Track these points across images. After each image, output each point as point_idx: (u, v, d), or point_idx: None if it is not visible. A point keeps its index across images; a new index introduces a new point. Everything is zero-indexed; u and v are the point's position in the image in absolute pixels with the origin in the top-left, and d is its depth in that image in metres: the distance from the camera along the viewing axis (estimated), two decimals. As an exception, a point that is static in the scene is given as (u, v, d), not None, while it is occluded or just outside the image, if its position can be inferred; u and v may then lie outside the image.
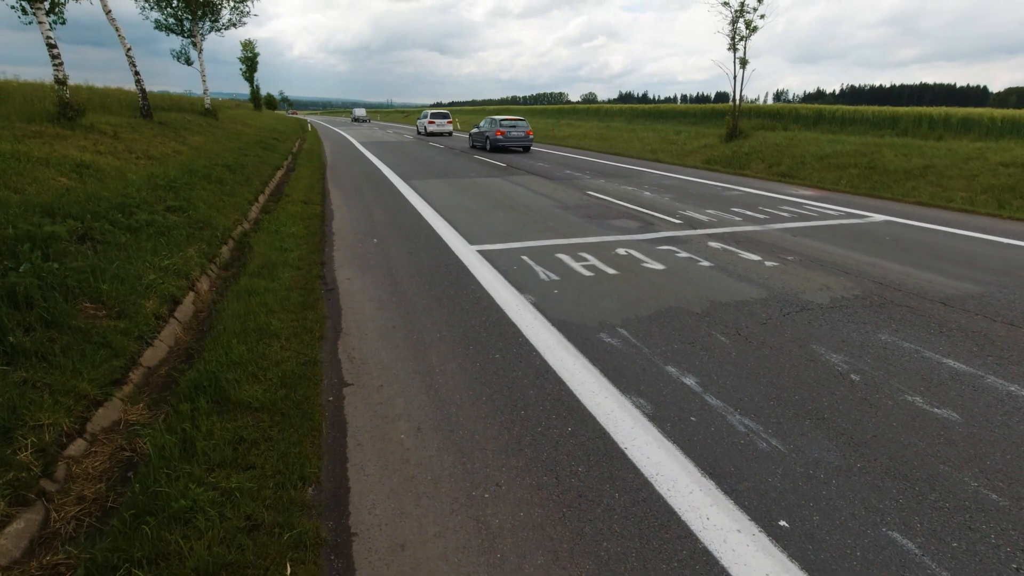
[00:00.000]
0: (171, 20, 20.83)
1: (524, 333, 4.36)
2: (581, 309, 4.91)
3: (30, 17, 10.15)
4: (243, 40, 53.23)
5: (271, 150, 18.14)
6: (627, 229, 8.13)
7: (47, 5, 10.23)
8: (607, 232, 7.90)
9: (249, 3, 22.60)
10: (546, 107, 53.63)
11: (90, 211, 5.82)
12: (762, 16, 18.80)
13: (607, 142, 26.00)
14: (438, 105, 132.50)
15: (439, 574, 2.15)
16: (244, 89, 57.24)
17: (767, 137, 18.97)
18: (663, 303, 5.05)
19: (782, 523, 2.41)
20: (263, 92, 68.01)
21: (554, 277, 5.79)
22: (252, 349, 3.83)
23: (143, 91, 14.12)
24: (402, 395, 3.46)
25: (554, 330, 4.44)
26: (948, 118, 16.84)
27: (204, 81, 22.39)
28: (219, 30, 22.29)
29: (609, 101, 67.11)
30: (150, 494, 2.39)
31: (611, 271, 6.02)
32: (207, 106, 21.70)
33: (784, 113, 22.84)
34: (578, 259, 6.47)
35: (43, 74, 14.04)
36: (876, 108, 20.02)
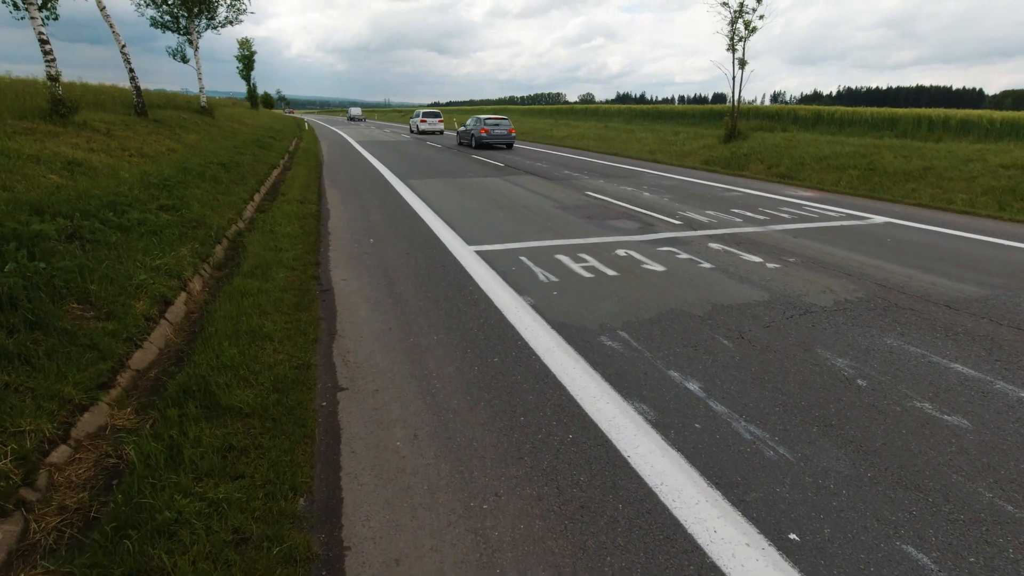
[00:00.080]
0: (167, 17, 20.68)
1: (523, 336, 4.27)
2: (581, 311, 4.81)
3: (22, 13, 10.01)
4: (240, 38, 53.04)
5: (267, 149, 18.00)
6: (627, 230, 8.04)
7: (39, 1, 10.09)
8: (606, 233, 7.81)
9: (246, 1, 22.46)
10: (544, 107, 53.56)
11: (80, 209, 5.70)
12: (761, 17, 18.76)
13: (605, 142, 25.92)
14: (435, 105, 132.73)
15: (436, 591, 2.06)
16: (241, 88, 57.03)
17: (766, 138, 18.92)
18: (664, 305, 4.97)
19: (792, 536, 2.32)
20: (260, 91, 67.76)
21: (553, 278, 5.69)
22: (244, 352, 3.73)
23: (137, 88, 13.98)
24: (398, 400, 3.36)
25: (554, 333, 4.35)
26: (947, 120, 16.80)
27: (200, 79, 22.24)
28: (215, 28, 22.15)
29: (607, 102, 67.07)
30: (133, 505, 2.29)
31: (611, 272, 5.93)
32: (203, 104, 21.54)
33: (783, 114, 22.79)
34: (577, 260, 6.38)
35: (35, 71, 13.89)
36: (875, 109, 19.98)
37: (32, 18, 9.83)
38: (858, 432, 3.08)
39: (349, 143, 26.64)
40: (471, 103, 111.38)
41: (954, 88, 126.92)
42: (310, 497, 2.49)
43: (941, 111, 17.49)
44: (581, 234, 7.70)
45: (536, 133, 33.81)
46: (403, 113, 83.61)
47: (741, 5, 18.71)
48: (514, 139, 23.75)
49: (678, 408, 3.30)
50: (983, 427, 3.13)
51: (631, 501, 2.51)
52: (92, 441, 3.09)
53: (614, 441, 2.96)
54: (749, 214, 9.44)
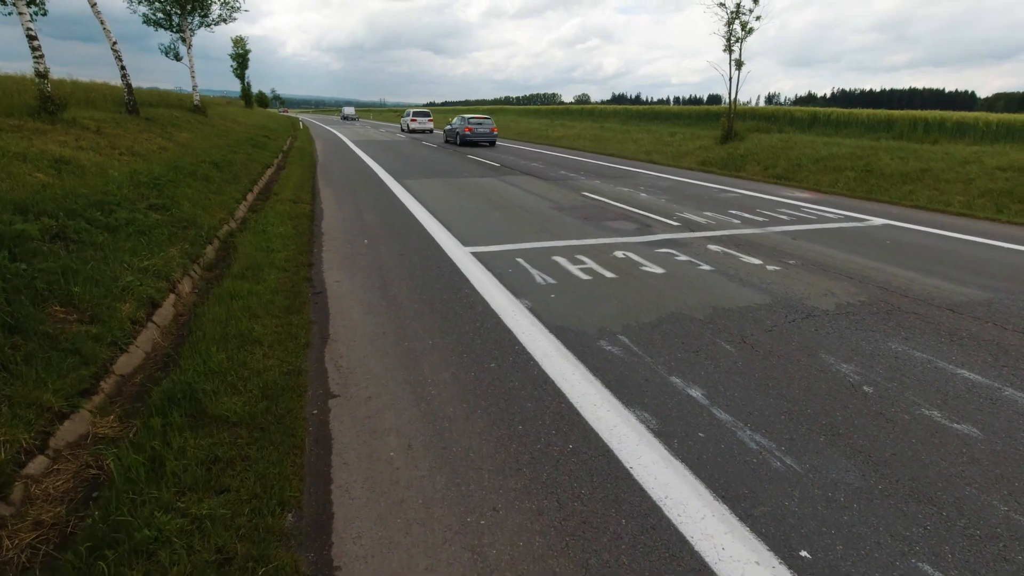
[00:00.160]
0: (159, 15, 20.45)
1: (520, 340, 4.16)
2: (579, 314, 4.71)
3: (10, 8, 9.83)
4: (234, 37, 52.73)
5: (261, 148, 17.83)
6: (624, 231, 7.95)
7: (28, -4, 9.91)
8: (604, 234, 7.72)
9: (239, -1, 22.25)
10: (540, 108, 53.49)
11: (66, 208, 5.55)
12: (758, 18, 18.72)
13: (601, 143, 25.85)
14: (431, 105, 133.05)
15: (430, 614, 1.95)
16: (236, 86, 56.69)
17: (762, 139, 18.89)
18: (664, 309, 4.87)
19: (803, 553, 2.22)
20: (255, 90, 67.43)
21: (551, 281, 5.59)
22: (232, 357, 3.61)
23: (129, 86, 13.78)
24: (392, 408, 3.24)
25: (552, 337, 4.24)
26: (943, 122, 16.81)
27: (193, 77, 22.01)
28: (208, 25, 21.93)
29: (603, 102, 67.07)
30: (111, 523, 2.17)
31: (609, 275, 5.83)
32: (196, 102, 21.32)
33: (779, 115, 22.79)
34: (575, 262, 6.28)
35: (24, 67, 13.69)
36: (871, 111, 19.98)
37: (20, 13, 9.65)
38: (866, 441, 2.98)
39: (344, 142, 26.47)
40: (466, 103, 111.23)
41: (947, 90, 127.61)
42: (299, 512, 2.37)
43: (937, 113, 17.50)
44: (578, 235, 7.60)
45: (532, 133, 33.72)
46: (398, 113, 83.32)
47: (738, 6, 18.68)
48: (496, 137, 25.15)
49: (681, 416, 3.20)
50: (994, 436, 3.05)
51: (635, 516, 2.41)
52: (72, 451, 2.97)
53: (616, 451, 2.85)
54: (747, 215, 9.37)
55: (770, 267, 6.21)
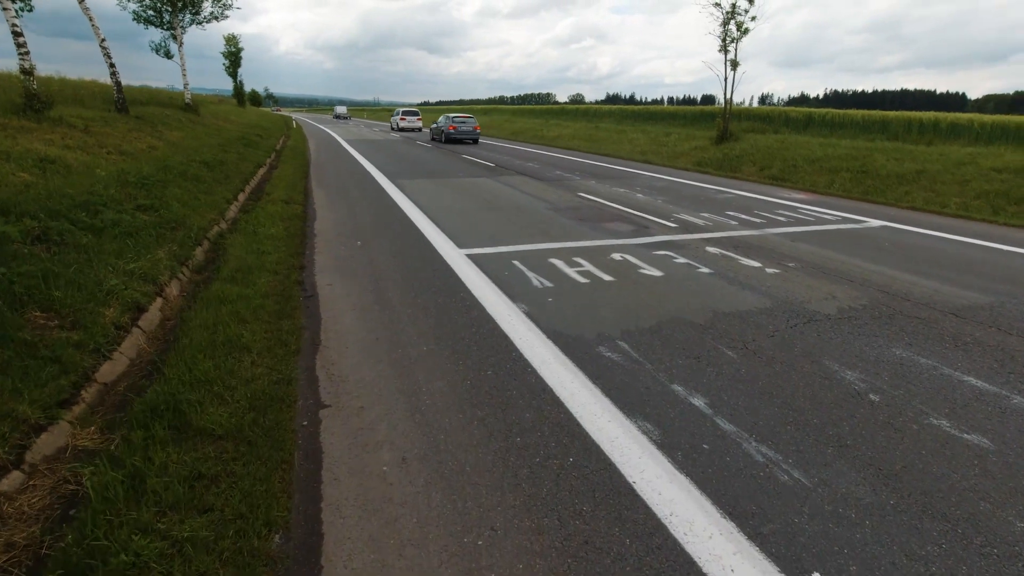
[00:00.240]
0: (150, 12, 20.19)
1: (518, 347, 4.05)
2: (578, 319, 4.61)
3: (-5, 4, 9.62)
4: (227, 34, 52.34)
5: (253, 147, 17.63)
6: (621, 233, 7.85)
7: (13, -9, 9.71)
8: (601, 236, 7.62)
9: (231, -4, 22.01)
10: (534, 107, 53.36)
11: (49, 209, 5.40)
12: (753, 18, 18.70)
13: (596, 143, 25.78)
14: (425, 104, 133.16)
15: (426, 645, 1.83)
16: (229, 85, 56.30)
17: (758, 140, 18.86)
18: (664, 313, 4.77)
19: (816, 575, 2.12)
20: (248, 88, 66.99)
21: (548, 284, 5.48)
22: (220, 365, 3.48)
23: (118, 84, 13.58)
24: (385, 419, 3.13)
25: (550, 343, 4.13)
26: (937, 123, 16.82)
27: (184, 75, 21.77)
28: (200, 23, 21.68)
29: (597, 102, 67.04)
30: (86, 547, 2.04)
31: (607, 278, 5.73)
32: (187, 101, 21.08)
33: (774, 116, 22.78)
34: (572, 264, 6.17)
35: (10, 64, 13.44)
36: (866, 112, 19.99)
37: (4, 9, 9.45)
38: (875, 453, 2.89)
39: (337, 141, 26.28)
40: (461, 102, 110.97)
41: (938, 92, 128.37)
42: (286, 534, 2.25)
43: (931, 114, 17.52)
44: (575, 237, 7.50)
45: (527, 133, 33.62)
46: (391, 112, 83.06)
47: (733, 6, 18.64)
48: (478, 135, 26.88)
49: (684, 427, 3.10)
50: (1005, 447, 2.97)
51: (639, 535, 2.30)
52: (49, 465, 2.83)
53: (618, 465, 2.75)
54: (745, 217, 9.29)
55: (769, 270, 6.13)
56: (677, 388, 3.51)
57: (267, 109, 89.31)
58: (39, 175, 6.83)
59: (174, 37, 21.18)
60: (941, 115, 17.26)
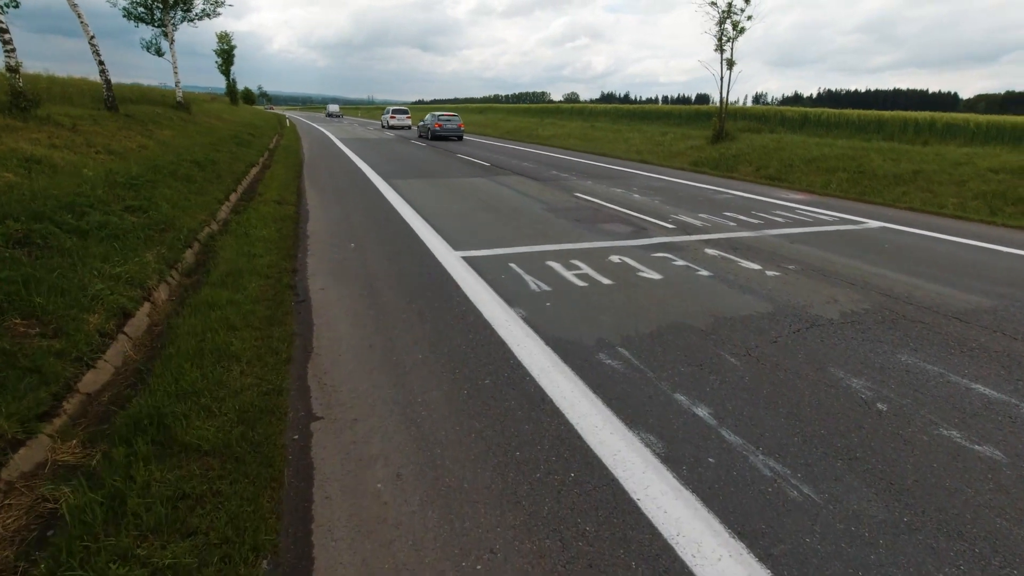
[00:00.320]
0: (140, 9, 19.94)
1: (516, 354, 3.94)
2: (576, 324, 4.50)
3: (-20, 0, 9.43)
4: (219, 32, 51.95)
5: (246, 146, 17.44)
6: (619, 234, 7.76)
7: (-1, -13, 9.52)
8: (599, 237, 7.52)
9: (224, -7, 21.78)
10: (530, 106, 53.23)
11: (33, 211, 5.25)
12: (749, 18, 18.65)
13: (592, 142, 25.69)
14: (420, 103, 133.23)
15: None
16: (222, 83, 55.91)
17: (754, 139, 18.82)
18: (664, 318, 4.68)
19: (831, 601, 2.03)
20: (241, 86, 66.55)
21: (545, 288, 5.38)
22: (207, 375, 3.35)
23: (108, 81, 13.37)
24: (379, 431, 3.01)
25: (548, 350, 4.03)
26: (933, 123, 16.82)
27: (176, 73, 21.53)
28: (192, 20, 21.44)
29: (591, 101, 66.98)
30: (60, 577, 1.92)
31: (606, 281, 5.63)
32: (179, 99, 20.85)
33: (769, 115, 22.75)
34: (570, 267, 6.07)
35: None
36: (861, 112, 19.98)
37: (-10, 5, 9.26)
38: (886, 466, 2.80)
39: (331, 140, 26.08)
40: (455, 101, 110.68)
41: (930, 91, 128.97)
42: (275, 559, 2.13)
43: (927, 114, 17.51)
44: (572, 239, 7.40)
45: (522, 132, 33.51)
46: (383, 110, 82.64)
47: (729, 6, 18.58)
48: (463, 132, 28.59)
49: (688, 438, 3.00)
50: (1018, 459, 2.88)
51: (645, 557, 2.20)
52: (27, 482, 2.71)
53: (621, 480, 2.65)
54: (743, 218, 9.22)
55: (770, 272, 6.05)
56: (680, 397, 3.41)
57: (260, 107, 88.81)
58: (24, 175, 6.67)
59: (165, 34, 20.93)
60: (937, 115, 17.26)
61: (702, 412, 3.26)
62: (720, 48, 19.20)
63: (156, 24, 20.70)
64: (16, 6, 9.84)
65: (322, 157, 18.13)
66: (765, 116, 22.92)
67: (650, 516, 2.42)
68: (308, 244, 6.90)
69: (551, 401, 3.33)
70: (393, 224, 8.15)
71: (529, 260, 6.31)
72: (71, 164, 7.88)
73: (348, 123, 50.59)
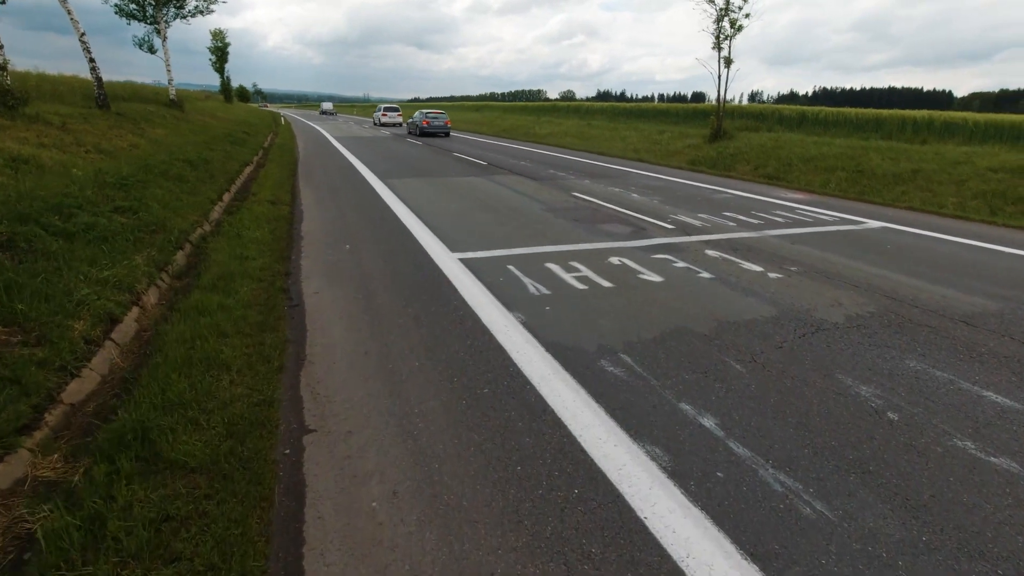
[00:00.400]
0: (132, 6, 19.70)
1: (515, 361, 3.83)
2: (577, 329, 4.40)
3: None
4: (213, 29, 51.57)
5: (240, 144, 17.26)
6: (618, 235, 7.65)
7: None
8: (597, 238, 7.41)
9: (217, -10, 21.54)
10: (526, 104, 53.02)
11: (17, 213, 5.11)
12: (747, 15, 18.56)
13: (589, 141, 25.57)
14: (416, 101, 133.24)
15: None
16: (216, 80, 55.56)
17: (751, 138, 18.74)
18: (667, 323, 4.57)
19: (851, 629, 1.93)
20: (236, 84, 66.16)
21: (545, 291, 5.26)
22: (196, 385, 3.23)
23: (99, 79, 13.18)
24: (375, 444, 2.90)
25: (548, 356, 3.92)
26: (931, 121, 16.76)
27: (169, 70, 21.30)
28: (184, 17, 21.21)
29: (588, 99, 66.84)
30: (32, 611, 1.80)
31: (606, 284, 5.52)
32: (172, 97, 20.63)
33: (767, 114, 22.66)
34: (569, 269, 5.96)
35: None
36: (859, 110, 19.91)
37: (-24, 2, 9.08)
38: (900, 480, 2.71)
39: (326, 139, 25.89)
40: (451, 99, 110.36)
41: (925, 90, 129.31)
42: (263, 587, 2.02)
43: (925, 113, 17.45)
44: (571, 240, 7.29)
45: (518, 131, 33.35)
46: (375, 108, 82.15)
47: (727, 3, 18.47)
48: (449, 129, 30.10)
49: (695, 451, 2.90)
50: (1036, 472, 2.79)
51: (655, 582, 2.10)
52: (5, 501, 2.58)
53: (627, 497, 2.54)
54: (742, 218, 9.12)
55: (772, 274, 5.95)
56: (685, 407, 3.31)
57: (255, 105, 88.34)
58: (10, 175, 6.52)
59: (158, 32, 20.70)
60: (935, 114, 17.20)
61: (708, 422, 3.15)
62: (718, 46, 19.11)
63: (149, 21, 20.47)
64: (2, 2, 9.66)
65: (317, 155, 17.96)
66: (762, 114, 22.83)
67: (658, 536, 2.31)
68: (302, 245, 6.77)
69: (552, 411, 3.22)
70: (389, 224, 8.02)
71: (527, 262, 6.20)
72: (59, 164, 7.72)
73: (343, 121, 50.31)
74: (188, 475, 2.50)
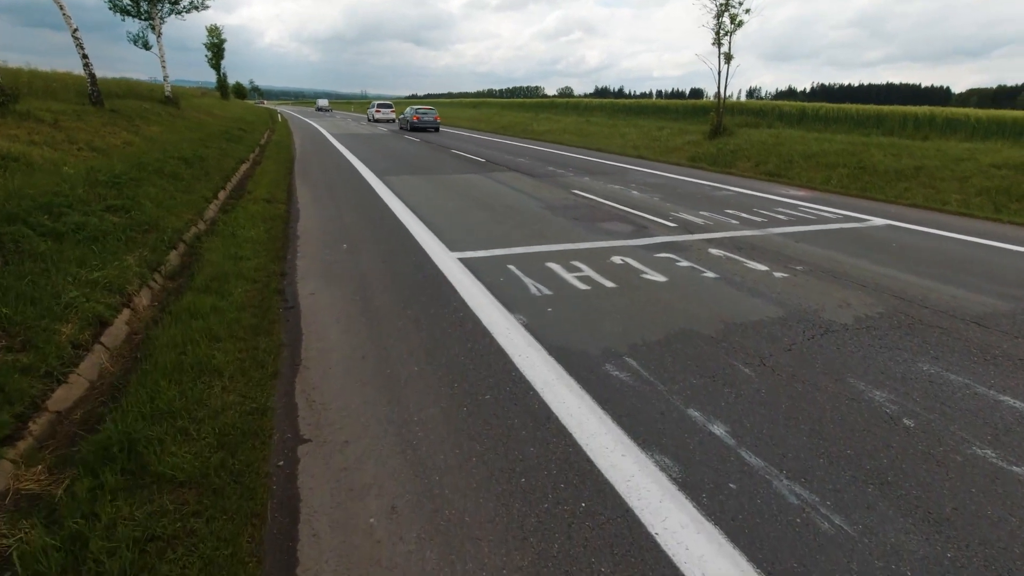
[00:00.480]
0: (126, 2, 19.47)
1: (517, 365, 3.71)
2: (580, 332, 4.28)
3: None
4: (209, 26, 51.25)
5: (236, 142, 17.08)
6: (620, 233, 7.53)
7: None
8: (599, 237, 7.29)
9: (212, -15, 21.33)
10: (524, 100, 52.77)
11: (5, 213, 4.98)
12: (747, 11, 18.41)
13: (588, 138, 25.42)
14: (414, 97, 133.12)
15: None
16: (213, 77, 55.23)
17: (752, 134, 18.61)
18: (672, 324, 4.46)
19: (878, 656, 1.82)
20: (232, 81, 65.80)
21: (546, 291, 5.15)
22: (186, 393, 3.11)
23: (92, 75, 13.00)
24: (372, 455, 2.78)
25: (552, 360, 3.80)
26: (933, 118, 16.64)
27: (164, 67, 21.09)
28: (179, 13, 20.99)
29: (586, 95, 66.63)
30: (5, 644, 1.68)
31: (609, 284, 5.40)
32: (167, 94, 20.43)
33: (767, 110, 22.52)
34: (571, 269, 5.84)
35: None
36: (860, 106, 19.78)
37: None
38: (921, 491, 2.60)
39: (323, 135, 25.70)
40: (449, 95, 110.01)
41: (923, 86, 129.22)
42: (254, 613, 1.91)
43: (927, 109, 17.33)
44: (572, 238, 7.16)
45: (516, 127, 33.17)
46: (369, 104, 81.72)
47: (727, -2, 18.31)
48: (439, 124, 31.41)
49: (706, 461, 2.78)
50: (1060, 482, 2.68)
51: (669, 605, 1.98)
52: (-16, 517, 2.46)
53: (636, 511, 2.43)
54: (744, 215, 9.01)
55: (777, 274, 5.84)
56: (694, 413, 3.20)
57: (252, 102, 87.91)
58: (-1, 174, 6.37)
59: (152, 28, 20.49)
60: (937, 110, 17.09)
61: (719, 430, 3.04)
62: (718, 42, 18.96)
63: (143, 17, 20.24)
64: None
65: (314, 153, 17.80)
66: (762, 111, 22.68)
67: (670, 554, 2.20)
68: (298, 245, 6.64)
69: (557, 419, 3.11)
70: (387, 223, 7.89)
71: (528, 261, 6.08)
72: (50, 162, 7.57)
73: (340, 118, 50.02)
74: (176, 490, 2.38)
